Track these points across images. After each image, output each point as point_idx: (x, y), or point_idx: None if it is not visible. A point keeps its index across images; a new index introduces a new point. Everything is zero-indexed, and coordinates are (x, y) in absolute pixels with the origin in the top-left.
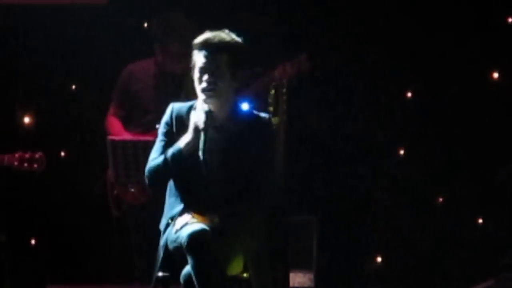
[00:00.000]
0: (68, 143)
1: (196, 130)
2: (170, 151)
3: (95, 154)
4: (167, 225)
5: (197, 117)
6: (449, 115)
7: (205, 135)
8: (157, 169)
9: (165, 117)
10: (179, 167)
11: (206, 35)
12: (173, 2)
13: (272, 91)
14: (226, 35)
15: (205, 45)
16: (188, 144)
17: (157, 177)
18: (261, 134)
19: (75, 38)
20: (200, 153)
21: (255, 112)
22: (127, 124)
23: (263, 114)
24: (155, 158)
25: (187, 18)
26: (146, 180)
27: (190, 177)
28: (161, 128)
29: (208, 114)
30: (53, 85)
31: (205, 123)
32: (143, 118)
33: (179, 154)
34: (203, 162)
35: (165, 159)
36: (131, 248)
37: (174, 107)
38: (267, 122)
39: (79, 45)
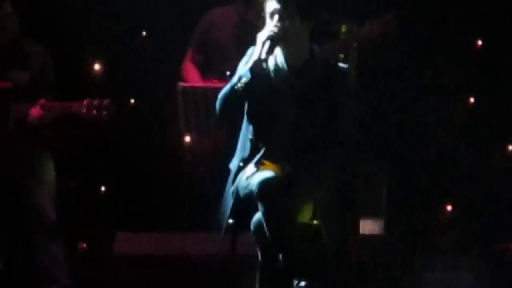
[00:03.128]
0: (138, 91)
1: (264, 43)
2: (238, 74)
3: (165, 102)
4: (238, 168)
5: (265, 34)
6: None
7: (272, 50)
8: (224, 95)
9: (245, 58)
10: (247, 91)
11: None
12: None
13: (344, 37)
14: None
15: None
16: (255, 62)
17: (224, 103)
18: (339, 85)
19: None
20: (270, 64)
21: (333, 61)
22: (205, 70)
23: (341, 64)
24: None
25: None
26: (216, 110)
27: (264, 119)
28: (240, 65)
29: (277, 29)
30: (124, 31)
31: (272, 36)
32: (223, 66)
33: (245, 72)
34: (280, 96)
35: (233, 82)
36: (204, 197)
37: (253, 49)
38: (345, 73)
39: None
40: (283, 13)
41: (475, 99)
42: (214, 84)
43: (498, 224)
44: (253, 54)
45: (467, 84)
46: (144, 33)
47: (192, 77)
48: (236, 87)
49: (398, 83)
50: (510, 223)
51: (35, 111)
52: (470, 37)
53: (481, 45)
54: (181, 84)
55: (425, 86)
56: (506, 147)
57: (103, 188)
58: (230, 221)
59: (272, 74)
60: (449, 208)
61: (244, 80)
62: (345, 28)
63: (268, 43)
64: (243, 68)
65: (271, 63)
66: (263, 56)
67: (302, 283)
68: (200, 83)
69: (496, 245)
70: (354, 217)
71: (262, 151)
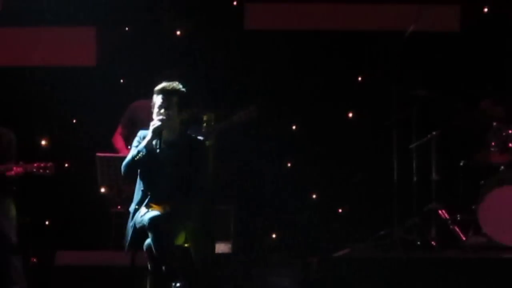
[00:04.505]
0: (70, 158)
1: (153, 130)
2: (136, 149)
3: (90, 166)
4: (135, 209)
5: (154, 124)
6: (323, 139)
7: (160, 135)
8: (127, 163)
9: (137, 137)
10: (142, 160)
11: (163, 84)
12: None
13: (206, 123)
14: (176, 84)
15: (163, 91)
16: (148, 141)
17: (127, 168)
18: (199, 151)
19: (78, 90)
20: (158, 149)
21: (193, 135)
22: (128, 141)
23: (200, 137)
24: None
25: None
26: (122, 173)
27: (151, 176)
28: (134, 143)
29: (162, 121)
30: (60, 119)
31: (159, 126)
32: None
33: (142, 148)
34: (160, 161)
35: (133, 155)
36: (121, 227)
37: (142, 132)
38: (202, 142)
39: (81, 95)
40: (167, 107)
41: (291, 164)
42: (120, 154)
43: (306, 247)
44: (144, 135)
45: (287, 153)
46: (74, 120)
47: (120, 146)
48: (135, 158)
49: (248, 151)
50: (313, 244)
51: (17, 169)
52: (287, 123)
53: (296, 128)
54: (98, 154)
55: (265, 155)
56: (311, 194)
57: (47, 222)
58: (131, 244)
59: (157, 149)
60: (273, 235)
61: (141, 153)
62: (206, 117)
63: (158, 130)
64: (139, 145)
65: (155, 142)
66: (155, 138)
67: (178, 284)
68: (112, 154)
69: (306, 259)
70: (212, 241)
71: (149, 197)
